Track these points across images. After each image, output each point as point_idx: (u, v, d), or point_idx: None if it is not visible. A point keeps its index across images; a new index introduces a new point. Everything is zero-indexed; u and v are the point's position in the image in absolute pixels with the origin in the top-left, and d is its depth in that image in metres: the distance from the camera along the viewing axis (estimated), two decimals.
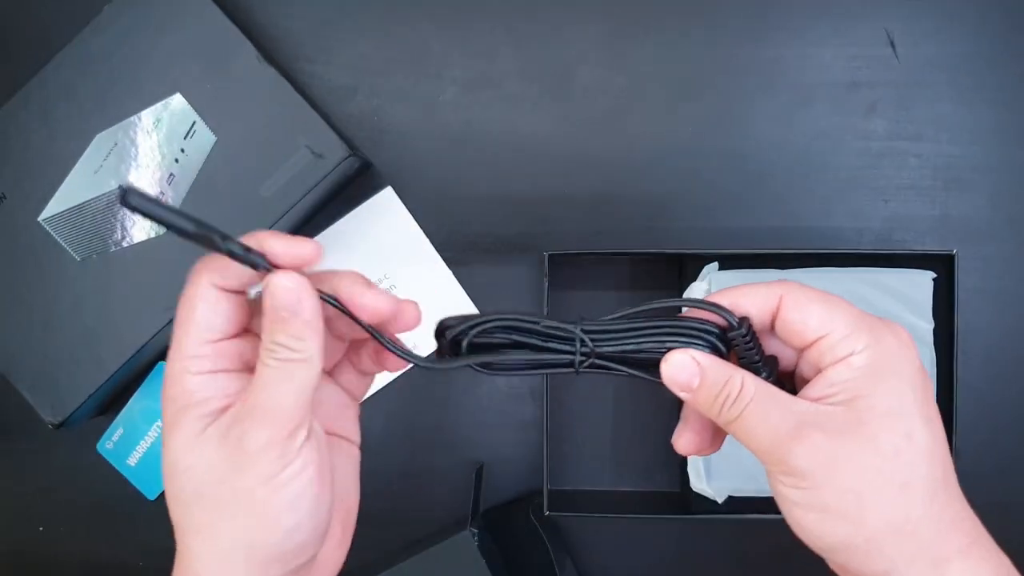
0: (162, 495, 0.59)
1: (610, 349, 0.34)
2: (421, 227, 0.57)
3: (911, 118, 0.56)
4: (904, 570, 0.31)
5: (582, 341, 0.34)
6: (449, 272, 0.58)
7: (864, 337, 0.32)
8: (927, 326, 0.52)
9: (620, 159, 0.57)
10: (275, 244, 0.31)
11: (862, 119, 0.56)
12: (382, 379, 0.58)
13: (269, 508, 0.30)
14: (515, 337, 0.35)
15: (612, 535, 0.58)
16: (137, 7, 0.53)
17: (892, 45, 0.56)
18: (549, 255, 0.52)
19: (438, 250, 0.57)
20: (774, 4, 0.56)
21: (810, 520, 0.32)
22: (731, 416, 0.33)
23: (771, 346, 0.36)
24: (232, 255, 0.30)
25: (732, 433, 0.34)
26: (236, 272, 0.31)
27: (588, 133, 0.57)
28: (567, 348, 0.34)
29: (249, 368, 0.32)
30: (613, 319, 0.35)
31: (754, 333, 0.34)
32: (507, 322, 0.34)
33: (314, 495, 0.31)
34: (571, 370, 0.35)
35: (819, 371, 0.33)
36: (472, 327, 0.34)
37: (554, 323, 0.34)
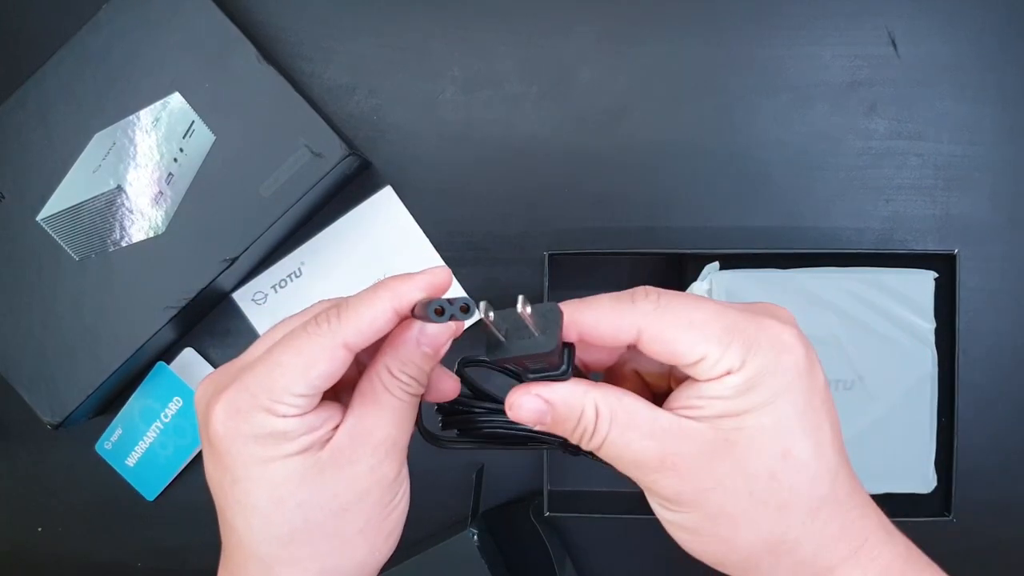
0: (161, 496, 0.58)
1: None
2: (421, 227, 0.57)
3: (912, 117, 0.56)
4: None
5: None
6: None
7: (738, 353, 0.30)
8: (928, 326, 0.52)
9: (620, 159, 0.57)
10: (417, 285, 0.31)
11: (863, 119, 0.56)
12: None
13: (381, 532, 0.32)
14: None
15: (612, 535, 0.58)
16: (135, 6, 0.53)
17: (893, 44, 0.56)
18: (549, 255, 0.52)
19: (438, 250, 0.57)
20: (774, 4, 0.56)
21: (684, 539, 0.32)
22: (593, 447, 0.32)
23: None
24: (439, 313, 0.29)
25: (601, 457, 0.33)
26: (375, 331, 0.30)
27: (588, 133, 0.57)
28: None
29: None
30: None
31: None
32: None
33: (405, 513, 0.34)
34: None
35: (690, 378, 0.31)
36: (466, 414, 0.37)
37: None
